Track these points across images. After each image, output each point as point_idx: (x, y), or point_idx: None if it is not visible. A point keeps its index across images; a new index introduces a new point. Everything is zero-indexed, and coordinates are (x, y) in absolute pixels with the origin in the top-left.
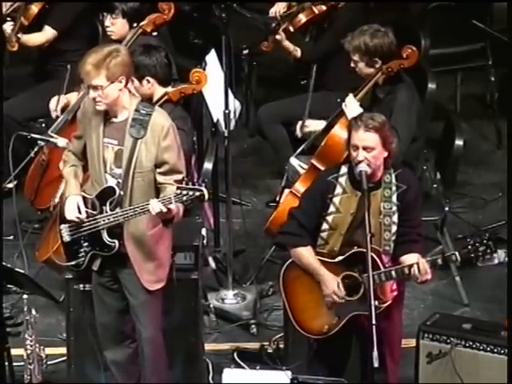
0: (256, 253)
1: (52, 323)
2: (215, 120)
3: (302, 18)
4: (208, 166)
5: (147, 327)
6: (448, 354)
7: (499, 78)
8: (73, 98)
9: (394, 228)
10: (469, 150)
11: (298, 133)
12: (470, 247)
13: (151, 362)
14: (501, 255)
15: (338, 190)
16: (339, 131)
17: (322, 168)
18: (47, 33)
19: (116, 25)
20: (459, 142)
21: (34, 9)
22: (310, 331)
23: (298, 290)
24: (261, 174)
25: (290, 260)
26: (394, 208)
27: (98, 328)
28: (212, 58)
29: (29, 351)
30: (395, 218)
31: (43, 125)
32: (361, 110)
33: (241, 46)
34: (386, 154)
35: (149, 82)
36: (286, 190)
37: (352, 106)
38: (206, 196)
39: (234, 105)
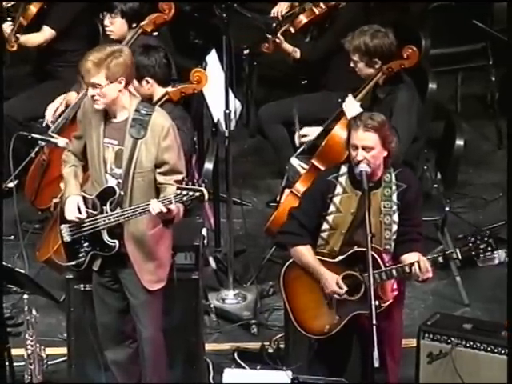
0: (256, 253)
1: (52, 323)
2: (216, 120)
3: (303, 18)
4: (209, 166)
5: (147, 327)
6: (448, 354)
7: (500, 78)
8: (72, 97)
9: (395, 227)
10: (469, 150)
11: (297, 142)
12: (470, 245)
13: (152, 362)
14: (501, 255)
15: (338, 189)
16: (340, 131)
17: (323, 168)
18: (46, 33)
19: (115, 24)
20: (460, 142)
21: (33, 9)
22: (310, 331)
23: (298, 290)
24: (261, 174)
25: (291, 260)
26: (395, 207)
27: (98, 328)
28: (212, 58)
29: (29, 351)
30: (395, 217)
31: (44, 125)
32: (361, 110)
33: (241, 46)
34: (385, 154)
35: (148, 82)
36: (287, 190)
37: (352, 106)
38: (206, 196)
39: (235, 105)
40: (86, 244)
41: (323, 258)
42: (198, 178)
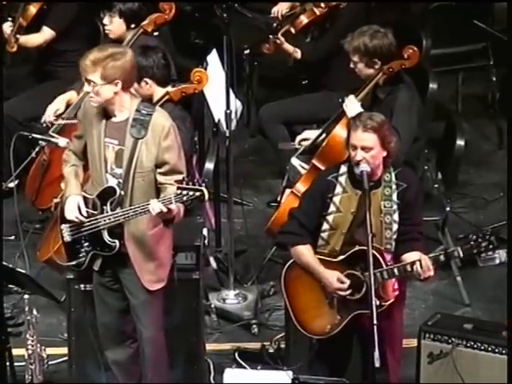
0: (257, 253)
1: (53, 323)
2: (216, 120)
3: (304, 19)
4: (209, 166)
5: (148, 327)
6: (449, 354)
7: (500, 78)
8: (73, 97)
9: (395, 226)
10: (470, 150)
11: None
12: (472, 243)
13: (152, 362)
14: (502, 255)
15: (338, 189)
16: (340, 131)
17: (323, 168)
18: (45, 33)
19: (113, 24)
20: (460, 142)
21: (33, 9)
22: (312, 331)
23: (299, 290)
24: (262, 174)
25: (292, 260)
26: (395, 206)
27: (99, 328)
28: (213, 58)
29: (30, 351)
30: (396, 217)
31: (44, 125)
32: (361, 110)
33: (242, 45)
34: (384, 154)
35: (147, 83)
36: (287, 190)
37: (353, 106)
38: (207, 196)
39: (236, 105)
40: (86, 244)
41: (324, 258)
42: (199, 178)
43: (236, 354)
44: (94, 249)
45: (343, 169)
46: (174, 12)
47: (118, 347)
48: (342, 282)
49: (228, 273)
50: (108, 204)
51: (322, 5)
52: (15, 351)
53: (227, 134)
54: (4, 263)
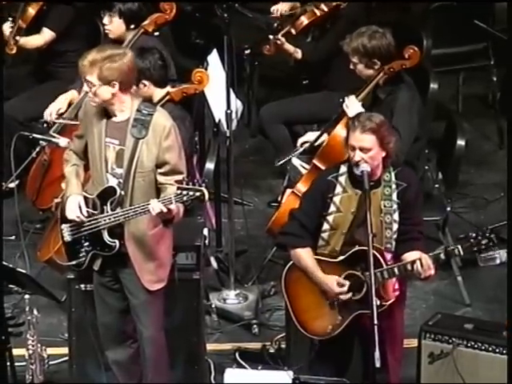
0: (258, 253)
1: (54, 323)
2: (217, 120)
3: (304, 20)
4: (210, 166)
5: (148, 327)
6: (450, 354)
7: (501, 78)
8: (74, 96)
9: (395, 226)
10: (471, 149)
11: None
12: (472, 241)
13: (152, 362)
14: (502, 255)
15: (338, 189)
16: (341, 131)
17: (324, 168)
18: (45, 35)
19: (113, 24)
20: (461, 142)
21: (32, 11)
22: (313, 332)
23: (300, 291)
24: (263, 174)
25: (292, 261)
26: (395, 206)
27: (99, 328)
28: (214, 58)
29: (30, 351)
30: (396, 216)
31: (44, 124)
32: (362, 110)
33: (242, 45)
34: (383, 154)
35: (145, 85)
36: (288, 190)
37: (353, 106)
38: (207, 196)
39: (236, 105)
40: (86, 244)
41: (324, 258)
42: (199, 178)
43: (237, 354)
44: (94, 249)
45: (343, 169)
46: (174, 12)
47: (118, 347)
48: (342, 286)
49: (229, 273)
50: (108, 204)
51: (323, 5)
52: (16, 351)
53: (228, 134)
54: (4, 263)
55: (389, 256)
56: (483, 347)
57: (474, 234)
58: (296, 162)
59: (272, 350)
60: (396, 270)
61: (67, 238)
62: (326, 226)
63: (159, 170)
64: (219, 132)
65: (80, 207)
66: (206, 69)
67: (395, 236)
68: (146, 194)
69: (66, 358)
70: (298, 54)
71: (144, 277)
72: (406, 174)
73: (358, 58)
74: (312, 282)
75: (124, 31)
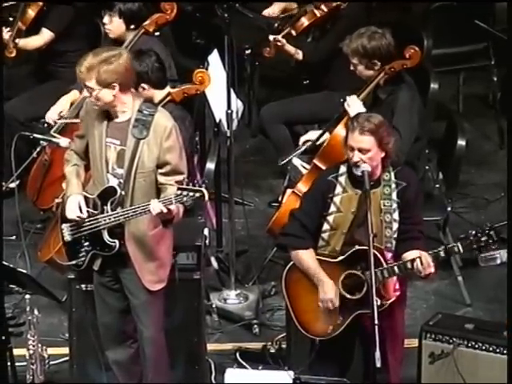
0: (258, 253)
1: (54, 323)
2: (218, 120)
3: (304, 21)
4: (210, 166)
5: (148, 327)
6: (450, 354)
7: (502, 77)
8: (75, 96)
9: (395, 225)
10: (471, 149)
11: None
12: (472, 238)
13: (152, 362)
14: (503, 255)
15: (338, 189)
16: (342, 131)
17: (325, 168)
18: (45, 36)
19: (113, 23)
20: (461, 142)
21: (31, 13)
22: (313, 332)
23: (300, 292)
24: (263, 174)
25: (293, 262)
26: (395, 205)
27: (99, 328)
28: (214, 58)
29: (31, 351)
30: (396, 216)
31: (45, 125)
32: (363, 110)
33: (243, 46)
34: (382, 155)
35: (144, 88)
36: (289, 190)
37: (355, 106)
38: (206, 197)
39: (237, 105)
40: (86, 243)
41: (324, 259)
42: (199, 179)
43: (237, 354)
44: (94, 248)
45: (343, 169)
46: (175, 12)
47: (118, 347)
48: (334, 301)
49: (229, 273)
50: (108, 204)
51: (323, 6)
52: (16, 351)
53: (228, 134)
54: (5, 263)
55: (389, 255)
56: (484, 347)
57: (473, 232)
58: (296, 161)
59: (273, 350)
60: (396, 268)
61: (67, 237)
62: (326, 226)
63: (160, 171)
64: (220, 132)
65: (80, 207)
66: (206, 69)
67: (395, 235)
68: (147, 194)
69: (67, 358)
70: (299, 55)
71: (145, 277)
72: (405, 174)
73: (358, 59)
74: (312, 282)
75: (124, 31)
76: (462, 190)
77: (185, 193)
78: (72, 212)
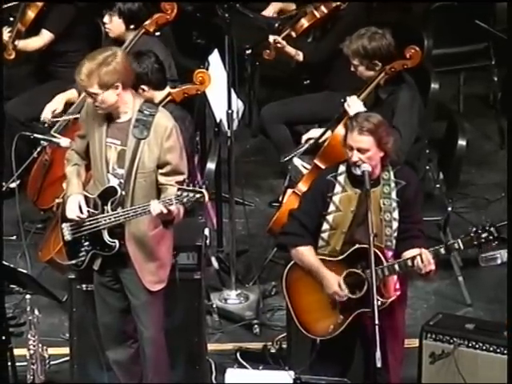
0: (259, 253)
1: (55, 323)
2: (218, 120)
3: (304, 22)
4: (211, 166)
5: (149, 327)
6: (451, 354)
7: (502, 77)
8: (72, 95)
9: (395, 224)
10: (472, 149)
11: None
12: (472, 235)
13: (153, 363)
14: (503, 255)
15: (338, 188)
16: (342, 131)
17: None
18: (44, 37)
19: (113, 23)
20: (462, 142)
21: (31, 14)
22: (314, 332)
23: (301, 291)
24: (264, 174)
25: (293, 261)
26: (394, 204)
27: (100, 328)
28: (215, 58)
29: (31, 351)
30: (396, 214)
31: (45, 125)
32: (364, 110)
33: (244, 46)
34: (381, 154)
35: (144, 90)
36: (289, 190)
37: (355, 106)
38: (207, 198)
39: (237, 105)
40: (86, 243)
41: (325, 258)
42: (200, 180)
43: (238, 354)
44: (94, 248)
45: (342, 168)
46: (175, 12)
47: (118, 347)
48: (342, 289)
49: (230, 273)
50: (109, 204)
51: (323, 7)
52: (17, 351)
53: (229, 134)
54: (5, 263)
55: (389, 254)
56: (484, 347)
57: (474, 229)
58: (297, 161)
59: (273, 350)
60: (396, 266)
61: (67, 236)
62: (325, 226)
63: (160, 171)
64: (220, 132)
65: (80, 207)
66: (207, 69)
67: (395, 234)
68: (147, 194)
69: (67, 358)
70: (300, 56)
71: (145, 277)
72: (405, 173)
73: (358, 60)
74: (313, 282)
75: (124, 31)
76: (462, 190)
77: (185, 194)
78: (72, 212)
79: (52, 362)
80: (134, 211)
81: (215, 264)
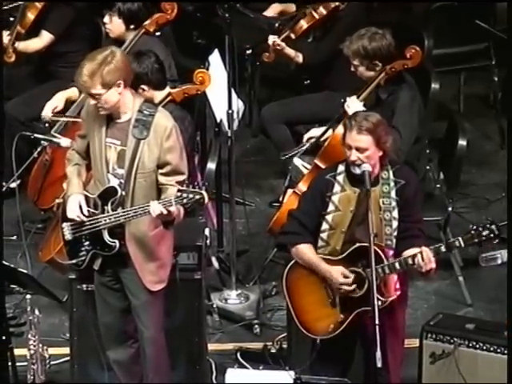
0: (259, 253)
1: (55, 323)
2: (218, 120)
3: (304, 24)
4: (211, 166)
5: (149, 328)
6: (451, 354)
7: (502, 77)
8: (73, 94)
9: (395, 223)
10: (472, 149)
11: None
12: (473, 232)
13: (153, 363)
14: (504, 255)
15: (337, 188)
16: (342, 131)
17: None
18: (44, 38)
19: (113, 23)
20: (462, 142)
21: (30, 16)
22: (315, 332)
23: (301, 291)
24: (264, 174)
25: (293, 261)
26: (394, 203)
27: (100, 328)
28: (215, 58)
29: (32, 351)
30: (395, 214)
31: (46, 125)
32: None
33: (244, 45)
34: (380, 154)
35: (144, 90)
36: (290, 190)
37: (354, 107)
38: (206, 199)
39: (238, 105)
40: (86, 243)
41: (325, 257)
42: (200, 181)
43: (238, 354)
44: (94, 248)
45: (341, 168)
46: (175, 12)
47: (119, 347)
48: (347, 277)
49: (230, 273)
50: (109, 204)
51: (321, 8)
52: (17, 351)
53: (229, 134)
54: (6, 263)
55: (390, 253)
56: (485, 347)
57: (474, 226)
58: (297, 161)
59: (273, 350)
60: (397, 264)
61: (68, 236)
62: (325, 226)
63: (160, 171)
64: (221, 132)
65: (81, 206)
66: (207, 69)
67: (395, 233)
68: (147, 194)
69: (68, 358)
70: (299, 57)
71: (145, 277)
72: (404, 172)
73: (359, 61)
74: (313, 281)
75: (124, 31)
76: (462, 190)
77: (185, 195)
78: (73, 211)
79: (52, 362)
80: (134, 211)
81: (215, 264)
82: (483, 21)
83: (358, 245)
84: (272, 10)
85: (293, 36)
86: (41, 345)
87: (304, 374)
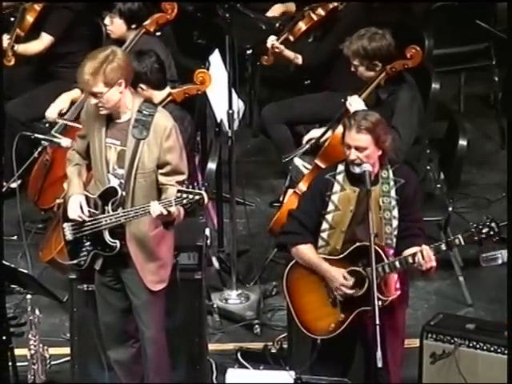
0: (259, 253)
1: (56, 323)
2: (219, 120)
3: (302, 26)
4: (212, 166)
5: (150, 327)
6: (452, 354)
7: (503, 77)
8: (77, 95)
9: (395, 222)
10: (472, 150)
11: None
12: (473, 230)
13: (154, 362)
14: (504, 255)
15: (336, 187)
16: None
17: None
18: (44, 40)
19: (114, 24)
20: (463, 142)
21: (29, 19)
22: (315, 332)
23: (301, 291)
24: (264, 174)
25: (294, 261)
26: (394, 202)
27: (101, 328)
28: (215, 58)
29: (32, 351)
30: (395, 213)
31: (47, 125)
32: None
33: (244, 46)
34: (379, 153)
35: (143, 89)
36: (290, 190)
37: (356, 106)
38: (206, 200)
39: (238, 105)
40: (87, 243)
41: (325, 257)
42: (200, 182)
43: (238, 354)
44: (95, 248)
45: (340, 167)
46: (176, 12)
47: (120, 347)
48: (347, 279)
49: (230, 273)
50: (109, 204)
51: (320, 9)
52: (17, 351)
53: (229, 134)
54: (6, 263)
55: (390, 252)
56: (485, 347)
57: (474, 224)
58: (298, 161)
59: (274, 350)
60: (397, 263)
61: (69, 236)
62: (325, 225)
63: (160, 171)
64: (221, 132)
65: (81, 207)
66: (207, 69)
67: (395, 232)
68: (148, 194)
69: (68, 358)
70: (299, 59)
71: (146, 277)
72: (403, 171)
73: (358, 61)
74: (314, 281)
75: (125, 31)
76: (463, 190)
77: (184, 195)
78: (73, 212)
79: (53, 362)
80: (135, 212)
81: (216, 264)
82: (483, 21)
83: (358, 244)
84: (274, 11)
85: (291, 38)
86: (41, 345)
87: (304, 374)
